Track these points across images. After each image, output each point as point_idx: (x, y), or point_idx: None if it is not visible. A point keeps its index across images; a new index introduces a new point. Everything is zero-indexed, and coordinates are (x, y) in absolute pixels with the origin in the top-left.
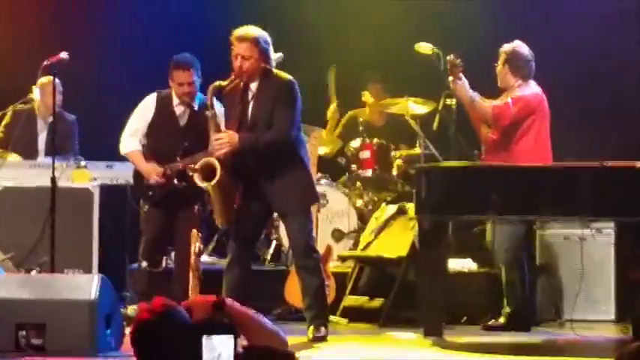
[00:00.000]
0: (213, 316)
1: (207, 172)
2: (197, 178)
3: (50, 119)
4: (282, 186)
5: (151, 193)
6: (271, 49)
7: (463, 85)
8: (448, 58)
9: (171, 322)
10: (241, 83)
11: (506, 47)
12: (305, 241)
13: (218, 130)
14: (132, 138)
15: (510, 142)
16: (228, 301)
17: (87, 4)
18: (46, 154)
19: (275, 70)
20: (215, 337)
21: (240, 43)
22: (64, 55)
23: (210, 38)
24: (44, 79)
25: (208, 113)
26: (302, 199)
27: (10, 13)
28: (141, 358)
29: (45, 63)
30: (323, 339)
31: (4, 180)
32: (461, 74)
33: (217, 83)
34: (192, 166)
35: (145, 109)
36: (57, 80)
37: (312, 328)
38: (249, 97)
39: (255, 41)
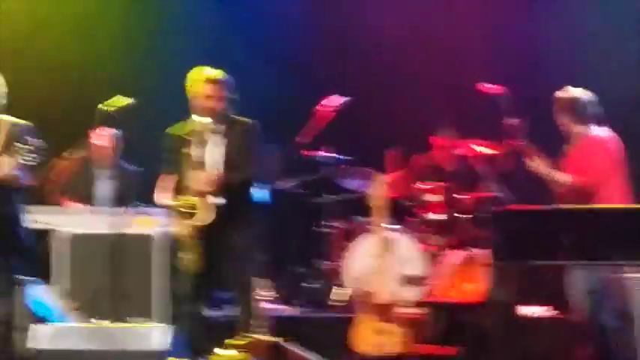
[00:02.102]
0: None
1: (188, 213)
2: (180, 218)
3: (108, 170)
4: (243, 226)
5: None
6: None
7: (538, 165)
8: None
9: None
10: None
11: (563, 94)
12: (249, 279)
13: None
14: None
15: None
16: (289, 345)
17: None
18: (103, 203)
19: (234, 115)
20: None
21: (214, 85)
22: (125, 100)
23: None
24: (103, 132)
25: (188, 150)
26: (257, 240)
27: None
28: None
29: (100, 107)
30: None
31: (68, 226)
32: (534, 155)
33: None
34: (176, 204)
35: None
36: (116, 131)
37: None
38: (210, 138)
39: (225, 84)
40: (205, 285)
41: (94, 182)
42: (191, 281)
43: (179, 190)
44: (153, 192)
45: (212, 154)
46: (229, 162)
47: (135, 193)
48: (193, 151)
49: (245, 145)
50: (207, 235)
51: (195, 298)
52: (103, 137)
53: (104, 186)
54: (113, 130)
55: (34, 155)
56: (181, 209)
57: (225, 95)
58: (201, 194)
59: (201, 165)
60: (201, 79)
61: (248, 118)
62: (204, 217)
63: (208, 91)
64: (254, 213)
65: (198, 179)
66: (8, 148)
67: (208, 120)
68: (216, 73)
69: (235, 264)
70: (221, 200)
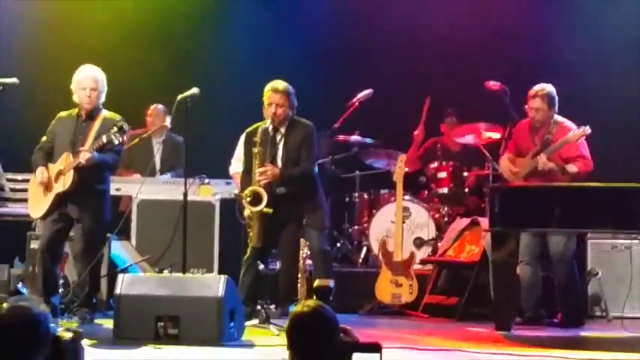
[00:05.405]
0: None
1: (254, 200)
2: (246, 204)
3: (161, 139)
4: (313, 207)
5: None
6: (295, 98)
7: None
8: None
9: (324, 317)
10: (270, 127)
11: (545, 88)
12: (324, 250)
13: (262, 164)
14: (236, 162)
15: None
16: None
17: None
18: (161, 170)
19: (297, 117)
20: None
21: (275, 94)
22: (195, 90)
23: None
24: (153, 107)
25: (255, 149)
26: (325, 219)
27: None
28: (296, 349)
29: (179, 97)
30: None
31: (143, 194)
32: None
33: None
34: (244, 193)
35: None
36: (163, 107)
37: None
38: (278, 138)
39: (288, 93)
40: (263, 253)
41: (153, 155)
42: (252, 250)
43: (249, 181)
44: (214, 163)
45: (274, 152)
46: (288, 158)
47: (182, 159)
48: (258, 150)
49: (302, 143)
50: (269, 218)
51: (254, 259)
52: (154, 113)
53: (160, 155)
54: (162, 106)
55: (121, 140)
56: (248, 197)
57: (287, 102)
58: (263, 185)
59: (264, 161)
60: (267, 89)
61: (308, 121)
62: (265, 203)
63: (271, 99)
64: (314, 200)
65: (259, 173)
66: (99, 137)
67: (269, 123)
68: (275, 84)
69: (291, 240)
70: (281, 190)
